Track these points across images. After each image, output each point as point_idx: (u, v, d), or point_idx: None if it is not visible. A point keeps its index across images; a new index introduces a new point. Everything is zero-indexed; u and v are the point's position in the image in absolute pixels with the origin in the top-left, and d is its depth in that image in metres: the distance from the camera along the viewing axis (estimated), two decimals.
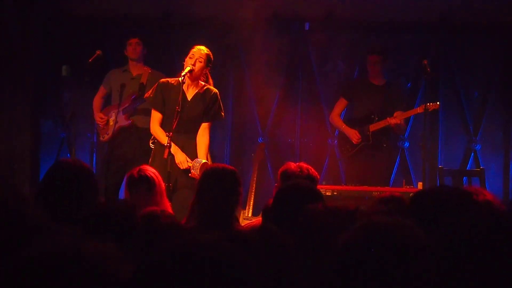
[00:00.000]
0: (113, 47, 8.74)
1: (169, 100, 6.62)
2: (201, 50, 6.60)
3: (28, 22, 8.52)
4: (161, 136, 6.55)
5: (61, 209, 3.58)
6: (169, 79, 6.76)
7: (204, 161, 6.42)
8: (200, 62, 6.56)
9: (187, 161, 6.46)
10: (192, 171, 6.36)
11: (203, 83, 6.71)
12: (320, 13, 8.71)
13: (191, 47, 6.67)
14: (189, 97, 6.65)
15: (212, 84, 6.78)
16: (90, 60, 7.61)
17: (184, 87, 6.60)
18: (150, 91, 6.80)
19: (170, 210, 4.80)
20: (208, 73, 6.74)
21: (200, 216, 4.14)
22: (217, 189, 4.27)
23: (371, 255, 1.81)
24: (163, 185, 5.08)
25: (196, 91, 6.67)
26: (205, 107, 6.65)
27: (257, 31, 8.79)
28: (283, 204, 3.82)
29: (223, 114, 6.80)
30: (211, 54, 6.66)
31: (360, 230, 1.89)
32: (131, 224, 3.20)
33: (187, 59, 6.57)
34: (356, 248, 1.85)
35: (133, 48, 8.02)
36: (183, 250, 1.66)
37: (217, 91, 6.73)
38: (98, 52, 7.71)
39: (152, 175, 4.99)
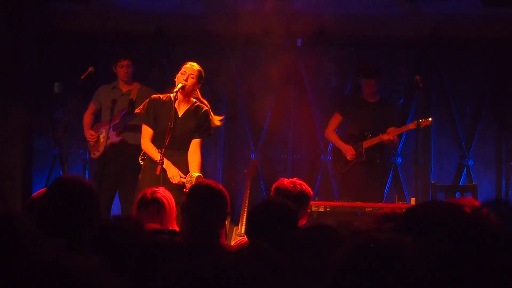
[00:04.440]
0: (105, 63, 8.74)
1: (160, 116, 6.61)
2: (193, 66, 6.60)
3: (21, 39, 8.50)
4: (153, 152, 6.53)
5: (63, 226, 3.56)
6: (160, 95, 6.74)
7: (198, 174, 6.40)
8: (192, 78, 6.56)
9: (180, 176, 6.45)
10: (187, 185, 6.33)
11: (194, 99, 6.70)
12: (312, 30, 8.72)
13: (183, 63, 6.67)
14: (180, 113, 6.64)
15: (202, 101, 6.78)
16: (82, 77, 7.60)
17: (176, 103, 6.58)
18: (141, 106, 6.77)
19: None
20: (198, 90, 6.72)
21: (185, 232, 4.12)
22: (200, 206, 4.24)
23: (367, 273, 1.79)
24: (174, 210, 4.99)
25: (187, 107, 6.66)
26: (197, 123, 6.63)
27: (249, 48, 8.82)
28: (257, 222, 3.83)
29: (212, 132, 6.79)
30: (202, 71, 6.66)
31: (357, 247, 1.87)
32: (137, 241, 3.18)
33: (179, 75, 6.57)
34: (352, 265, 1.83)
35: (125, 71, 7.99)
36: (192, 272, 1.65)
37: (208, 108, 6.72)
38: (90, 68, 7.71)
39: (164, 199, 4.93)
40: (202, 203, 4.19)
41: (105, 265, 1.72)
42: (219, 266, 1.71)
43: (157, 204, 4.89)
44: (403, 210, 3.78)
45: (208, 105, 6.75)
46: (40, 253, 2.12)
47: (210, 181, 4.45)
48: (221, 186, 4.39)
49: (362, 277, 1.79)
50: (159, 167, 6.33)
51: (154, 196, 4.92)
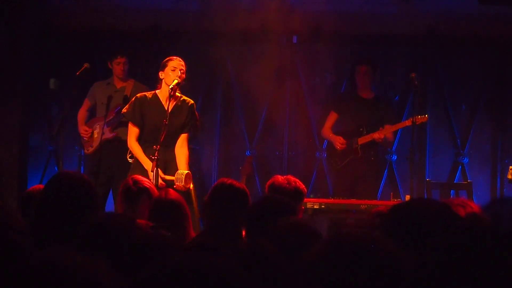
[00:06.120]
0: (102, 60, 8.74)
1: (148, 114, 6.56)
2: (181, 61, 6.56)
3: (17, 35, 8.51)
4: (137, 151, 6.48)
5: (62, 223, 3.55)
6: (146, 93, 6.70)
7: (187, 172, 6.36)
8: (183, 73, 6.54)
9: (160, 177, 6.39)
10: (176, 183, 6.28)
11: (179, 94, 6.66)
12: (308, 27, 8.73)
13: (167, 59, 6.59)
14: (169, 110, 6.61)
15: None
16: (77, 73, 7.61)
17: (163, 100, 6.56)
18: (127, 105, 6.75)
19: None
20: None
21: (208, 231, 4.12)
22: (225, 205, 4.26)
23: (338, 269, 1.79)
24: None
25: (175, 103, 6.61)
26: (184, 118, 6.61)
27: (245, 44, 8.82)
28: (257, 217, 3.84)
29: (199, 125, 6.80)
30: None
31: (327, 244, 1.87)
32: (130, 238, 3.18)
33: (168, 71, 6.49)
34: (323, 261, 1.83)
35: (121, 68, 8.00)
36: (179, 267, 1.64)
37: (193, 101, 6.69)
38: (86, 65, 7.71)
39: (150, 185, 4.91)
40: (228, 203, 4.21)
41: (106, 263, 1.71)
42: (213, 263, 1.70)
43: (146, 193, 4.82)
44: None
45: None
46: (37, 252, 2.11)
47: (232, 181, 4.46)
48: (243, 185, 4.43)
49: (335, 273, 1.79)
50: (154, 164, 6.28)
51: (140, 186, 4.83)
